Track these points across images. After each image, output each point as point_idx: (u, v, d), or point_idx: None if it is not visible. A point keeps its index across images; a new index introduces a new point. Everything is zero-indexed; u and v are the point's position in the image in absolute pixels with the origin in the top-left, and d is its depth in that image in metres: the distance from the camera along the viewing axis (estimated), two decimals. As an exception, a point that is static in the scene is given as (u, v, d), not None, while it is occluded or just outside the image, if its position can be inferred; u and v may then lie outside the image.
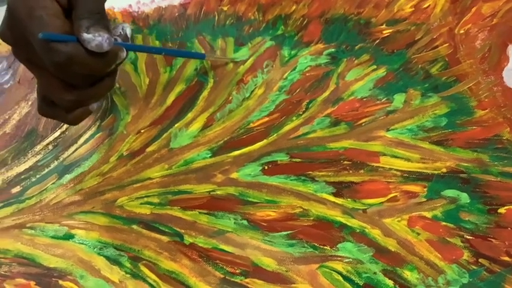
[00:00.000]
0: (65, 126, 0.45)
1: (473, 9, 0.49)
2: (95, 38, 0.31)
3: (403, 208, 0.36)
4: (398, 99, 0.44)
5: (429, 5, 0.53)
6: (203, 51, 0.51)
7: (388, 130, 0.42)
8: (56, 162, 0.42)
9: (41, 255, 0.36)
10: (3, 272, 0.36)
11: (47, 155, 0.43)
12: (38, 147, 0.44)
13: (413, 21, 0.51)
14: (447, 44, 0.47)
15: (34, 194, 0.40)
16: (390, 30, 0.50)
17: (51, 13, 0.32)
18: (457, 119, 0.41)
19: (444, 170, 0.38)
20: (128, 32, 0.35)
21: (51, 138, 0.44)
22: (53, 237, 0.37)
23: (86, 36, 0.31)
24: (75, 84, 0.33)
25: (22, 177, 0.42)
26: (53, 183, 0.41)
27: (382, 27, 0.51)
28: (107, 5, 0.57)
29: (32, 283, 0.35)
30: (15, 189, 0.41)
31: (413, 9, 0.52)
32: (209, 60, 0.48)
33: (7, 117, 0.47)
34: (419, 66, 0.47)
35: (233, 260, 0.35)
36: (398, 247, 0.34)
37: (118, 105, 0.47)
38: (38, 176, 0.42)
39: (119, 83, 0.49)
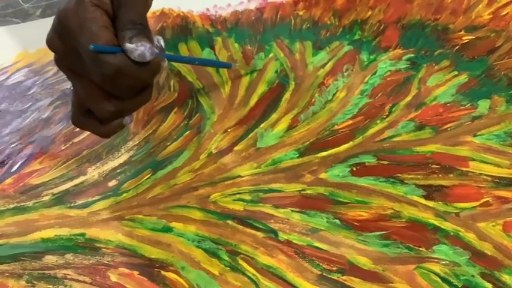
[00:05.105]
0: (155, 124, 0.47)
1: (555, 17, 0.50)
2: (138, 48, 0.31)
3: (497, 213, 0.37)
4: (483, 105, 0.44)
5: (508, 12, 0.53)
6: (282, 54, 0.52)
7: (475, 135, 0.42)
8: (149, 158, 0.44)
9: (141, 246, 0.38)
10: (106, 262, 0.37)
11: (139, 150, 0.45)
12: (131, 143, 0.46)
13: (492, 28, 0.52)
14: (530, 52, 0.48)
15: (130, 187, 0.42)
16: (470, 37, 0.51)
17: (101, 25, 0.32)
18: (545, 126, 0.41)
19: (536, 176, 0.38)
20: (162, 43, 0.36)
21: (142, 135, 0.46)
22: (152, 229, 0.39)
23: (128, 46, 0.32)
24: (118, 95, 0.34)
25: (117, 171, 0.44)
26: (148, 178, 0.43)
27: (460, 33, 0.52)
28: (186, 8, 0.59)
29: (136, 273, 0.36)
30: (112, 183, 0.43)
31: (492, 16, 0.53)
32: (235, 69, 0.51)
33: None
34: (502, 73, 0.47)
35: (329, 258, 0.36)
36: (494, 251, 0.35)
37: (203, 105, 0.48)
38: (132, 171, 0.43)
39: (202, 84, 0.50)
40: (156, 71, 0.34)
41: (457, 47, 0.50)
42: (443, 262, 0.35)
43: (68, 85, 0.51)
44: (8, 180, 0.44)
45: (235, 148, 0.44)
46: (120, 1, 0.33)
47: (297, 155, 0.43)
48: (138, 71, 0.32)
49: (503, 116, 0.43)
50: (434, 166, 0.40)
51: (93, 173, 0.44)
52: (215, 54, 0.53)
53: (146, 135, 0.46)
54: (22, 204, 0.42)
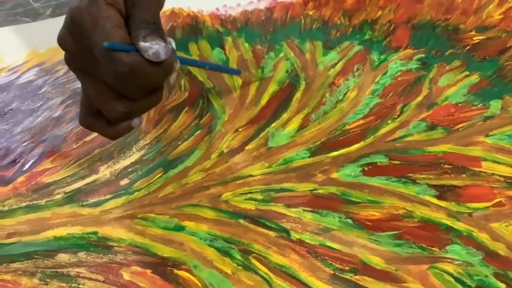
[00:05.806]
0: (166, 123, 0.47)
1: None
2: (152, 47, 0.31)
3: (510, 213, 0.37)
4: (495, 105, 0.44)
5: (519, 13, 0.53)
6: (292, 54, 0.52)
7: (487, 136, 0.42)
8: (160, 157, 0.44)
9: (154, 245, 0.38)
10: (119, 260, 0.38)
11: (151, 149, 0.45)
12: (142, 142, 0.46)
13: (503, 28, 0.52)
14: (541, 52, 0.48)
15: (142, 186, 0.42)
16: (480, 37, 0.51)
17: (115, 23, 0.32)
18: (558, 127, 0.41)
19: (549, 177, 0.38)
20: (174, 45, 0.36)
21: (153, 134, 0.46)
22: (164, 228, 0.39)
23: (143, 44, 0.31)
24: (129, 96, 0.34)
25: (129, 170, 0.44)
26: (159, 177, 0.43)
27: (471, 33, 0.52)
28: (195, 8, 0.59)
29: (148, 271, 0.37)
30: (124, 182, 0.43)
31: (503, 16, 0.53)
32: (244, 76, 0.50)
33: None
34: (514, 73, 0.47)
35: (341, 257, 0.36)
36: (508, 251, 0.35)
37: (214, 105, 0.48)
38: (144, 170, 0.43)
39: (213, 83, 0.50)
40: (169, 71, 0.34)
41: (468, 47, 0.50)
42: (457, 262, 0.35)
43: (79, 84, 0.51)
44: (20, 179, 0.44)
45: (247, 147, 0.44)
46: (133, 0, 0.33)
47: (308, 155, 0.43)
48: (151, 71, 0.32)
49: (515, 116, 0.43)
50: (446, 166, 0.40)
51: (104, 171, 0.44)
52: (225, 53, 0.53)
53: (157, 135, 0.46)
54: (34, 202, 0.42)
